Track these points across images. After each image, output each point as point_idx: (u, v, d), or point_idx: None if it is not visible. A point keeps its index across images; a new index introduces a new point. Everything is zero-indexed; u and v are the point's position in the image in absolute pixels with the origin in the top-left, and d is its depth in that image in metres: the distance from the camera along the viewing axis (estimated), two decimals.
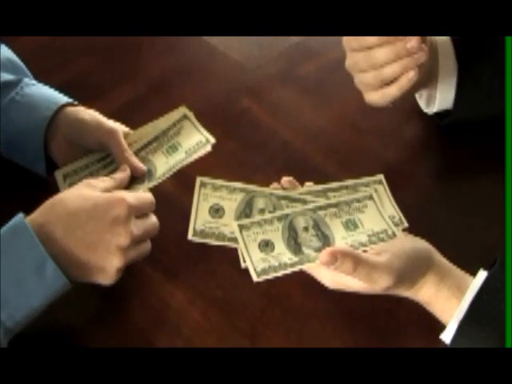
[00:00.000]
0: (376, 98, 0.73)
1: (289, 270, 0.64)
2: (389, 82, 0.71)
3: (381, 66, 0.69)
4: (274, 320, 0.67)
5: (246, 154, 0.82)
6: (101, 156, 0.74)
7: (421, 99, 0.84)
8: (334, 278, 0.63)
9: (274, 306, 0.68)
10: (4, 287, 0.57)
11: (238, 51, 0.96)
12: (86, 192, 0.63)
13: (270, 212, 0.69)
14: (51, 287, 0.59)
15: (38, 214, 0.61)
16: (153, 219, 0.66)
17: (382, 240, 0.66)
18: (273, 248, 0.65)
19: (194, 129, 0.76)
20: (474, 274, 0.62)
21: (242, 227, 0.67)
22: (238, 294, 0.68)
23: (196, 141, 0.75)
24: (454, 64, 0.76)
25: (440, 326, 0.62)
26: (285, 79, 0.92)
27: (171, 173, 0.73)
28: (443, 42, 0.77)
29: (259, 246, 0.65)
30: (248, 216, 0.68)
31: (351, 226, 0.68)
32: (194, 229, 0.67)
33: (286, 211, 0.68)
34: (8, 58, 0.78)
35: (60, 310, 0.62)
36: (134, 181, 0.72)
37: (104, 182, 0.67)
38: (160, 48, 0.97)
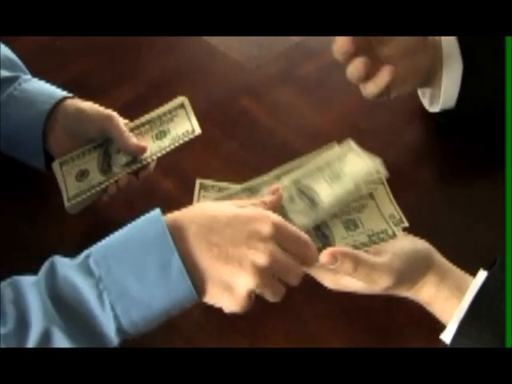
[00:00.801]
0: (368, 89, 0.74)
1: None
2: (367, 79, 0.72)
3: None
4: (274, 320, 0.67)
5: (245, 154, 0.82)
6: (97, 143, 0.75)
7: (424, 98, 0.84)
8: (333, 279, 0.63)
9: (273, 306, 0.67)
10: (125, 277, 0.53)
11: (238, 51, 0.96)
12: (230, 205, 0.58)
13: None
14: (174, 289, 0.54)
15: (178, 211, 0.57)
16: (298, 266, 0.57)
17: (383, 240, 0.66)
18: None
19: (185, 118, 0.76)
20: (473, 274, 0.62)
21: None
22: None
23: (183, 130, 0.75)
24: (459, 62, 0.76)
25: (440, 326, 0.62)
26: (285, 79, 0.92)
27: (151, 159, 0.73)
28: (448, 40, 0.76)
29: None
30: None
31: (351, 225, 0.68)
32: None
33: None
34: (6, 56, 0.79)
35: None
36: (113, 164, 0.73)
37: (254, 204, 0.60)
38: (160, 48, 0.97)
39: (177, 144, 0.74)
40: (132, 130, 0.75)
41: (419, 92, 0.84)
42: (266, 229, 0.54)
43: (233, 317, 0.66)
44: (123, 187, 0.73)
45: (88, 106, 0.74)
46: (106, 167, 0.74)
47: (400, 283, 0.61)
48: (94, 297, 0.53)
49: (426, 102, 0.83)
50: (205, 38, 0.98)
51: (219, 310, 0.67)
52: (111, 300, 0.53)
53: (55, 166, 0.74)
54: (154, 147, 0.74)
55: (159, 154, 0.73)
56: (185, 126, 0.75)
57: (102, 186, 0.72)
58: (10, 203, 0.77)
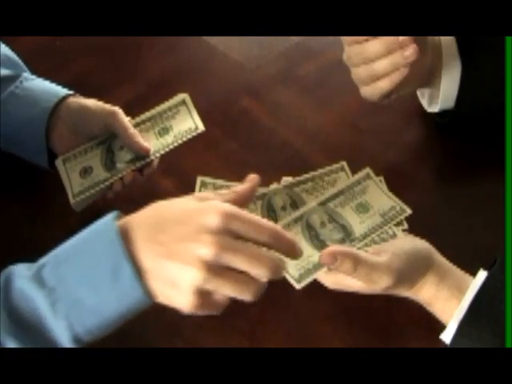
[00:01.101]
0: (368, 91, 0.73)
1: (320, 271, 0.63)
2: (380, 78, 0.71)
3: (371, 61, 0.70)
4: (274, 320, 0.67)
5: (245, 154, 0.82)
6: (99, 140, 0.75)
7: (423, 98, 0.84)
8: (333, 278, 0.63)
9: (274, 306, 0.68)
10: (77, 286, 0.52)
11: (238, 51, 0.96)
12: (186, 199, 0.56)
13: (290, 205, 0.69)
14: (127, 295, 0.52)
15: (132, 214, 0.55)
16: (268, 252, 0.53)
17: (395, 217, 0.67)
18: (300, 252, 0.65)
19: (188, 115, 0.76)
20: (473, 274, 0.62)
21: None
22: None
23: (186, 127, 0.75)
24: (458, 62, 0.76)
25: (440, 326, 0.62)
26: (285, 79, 0.92)
27: (154, 157, 0.74)
28: (447, 40, 0.76)
29: None
30: (275, 218, 0.68)
31: (361, 208, 0.68)
32: None
33: (299, 212, 0.68)
34: (6, 55, 0.79)
35: None
36: (117, 161, 0.73)
37: (221, 195, 0.57)
38: (160, 48, 0.97)
39: (180, 141, 0.74)
40: (134, 127, 0.75)
41: (418, 92, 0.84)
42: (213, 220, 0.51)
43: (233, 317, 0.66)
44: (128, 184, 0.73)
45: (92, 102, 0.75)
46: (109, 164, 0.74)
47: (400, 283, 0.61)
48: (47, 307, 0.53)
49: (424, 103, 0.83)
50: (205, 38, 0.98)
51: None
52: (65, 310, 0.53)
53: (58, 163, 0.74)
54: (157, 144, 0.74)
55: (162, 152, 0.74)
56: (187, 122, 0.76)
57: (107, 182, 0.72)
58: (10, 203, 0.77)
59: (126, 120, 0.74)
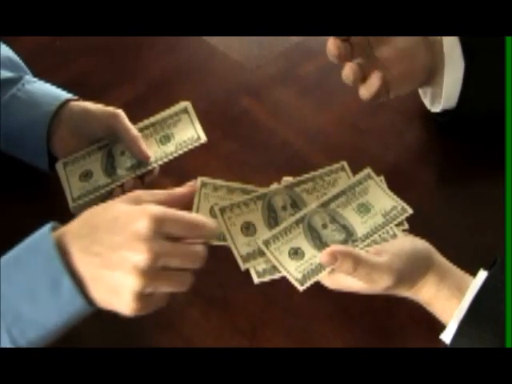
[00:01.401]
0: (362, 91, 0.74)
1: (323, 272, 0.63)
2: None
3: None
4: (274, 320, 0.67)
5: (245, 154, 0.82)
6: (100, 145, 0.75)
7: (425, 97, 0.83)
8: (333, 278, 0.63)
9: (274, 306, 0.68)
10: (17, 301, 0.53)
11: (238, 51, 0.96)
12: (117, 204, 0.57)
13: (290, 205, 0.69)
14: (67, 307, 0.53)
15: (68, 224, 0.56)
16: (196, 247, 0.56)
17: (396, 217, 0.67)
18: (302, 254, 0.65)
19: (190, 124, 0.76)
20: (473, 274, 0.62)
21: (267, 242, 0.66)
22: (237, 293, 0.68)
23: (188, 136, 0.75)
24: (461, 61, 0.76)
25: (440, 326, 0.62)
26: (285, 79, 0.92)
27: (156, 164, 0.73)
28: (450, 39, 0.76)
29: (289, 254, 0.65)
30: (276, 219, 0.68)
31: (362, 209, 0.68)
32: None
33: (300, 214, 0.68)
34: (7, 57, 0.79)
35: None
36: (118, 166, 0.73)
37: (154, 195, 0.58)
38: (160, 48, 0.97)
39: (180, 152, 0.74)
40: None
41: (420, 92, 0.84)
42: (143, 225, 0.52)
43: (233, 317, 0.67)
44: (129, 191, 0.73)
45: (93, 105, 0.74)
46: (109, 169, 0.74)
47: (400, 283, 0.61)
48: None
49: (427, 102, 0.83)
50: (205, 37, 0.98)
51: (219, 310, 0.67)
52: (6, 324, 0.53)
53: (59, 166, 0.74)
54: (158, 152, 0.74)
55: (166, 159, 0.73)
56: (189, 132, 0.75)
57: (108, 188, 0.72)
58: (10, 203, 0.77)
59: (128, 122, 0.73)
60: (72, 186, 0.73)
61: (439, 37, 0.76)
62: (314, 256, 0.64)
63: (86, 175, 0.73)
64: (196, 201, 0.69)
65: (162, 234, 0.54)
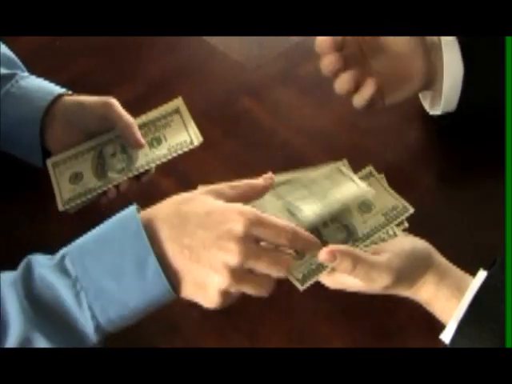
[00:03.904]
0: (356, 100, 0.74)
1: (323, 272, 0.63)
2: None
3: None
4: (274, 320, 0.67)
5: (246, 154, 0.82)
6: (92, 144, 0.74)
7: (425, 101, 0.83)
8: (333, 277, 0.63)
9: (274, 306, 0.68)
10: (102, 277, 0.54)
11: (238, 51, 0.96)
12: (206, 197, 0.57)
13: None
14: (150, 287, 0.54)
15: (153, 208, 0.57)
16: (283, 255, 0.57)
17: (397, 217, 0.67)
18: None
19: (182, 126, 0.75)
20: (473, 274, 0.62)
21: None
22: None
23: (181, 139, 0.74)
24: (460, 64, 0.75)
25: (440, 326, 0.62)
26: (285, 79, 0.92)
27: (148, 167, 0.72)
28: (448, 42, 0.75)
29: None
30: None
31: (364, 207, 0.68)
32: None
33: (301, 214, 0.67)
34: (3, 54, 0.79)
35: None
36: (109, 169, 0.72)
37: (236, 187, 0.60)
38: (160, 48, 0.97)
39: (175, 154, 0.73)
40: None
41: (420, 95, 0.83)
42: (237, 227, 0.54)
43: (233, 317, 0.67)
44: (124, 192, 0.72)
45: (86, 97, 0.74)
46: (100, 171, 0.73)
47: (399, 282, 0.61)
48: (71, 297, 0.54)
49: (426, 105, 0.83)
50: (205, 37, 0.98)
51: (219, 310, 0.67)
52: (89, 300, 0.54)
53: (49, 165, 0.73)
54: (150, 154, 0.73)
55: (158, 162, 0.72)
56: (182, 135, 0.74)
57: (99, 190, 0.71)
58: (9, 203, 0.77)
59: (122, 110, 0.73)
60: (62, 188, 0.72)
61: (437, 42, 0.75)
62: (314, 256, 0.64)
63: (76, 177, 0.72)
64: None
65: (253, 236, 0.55)
